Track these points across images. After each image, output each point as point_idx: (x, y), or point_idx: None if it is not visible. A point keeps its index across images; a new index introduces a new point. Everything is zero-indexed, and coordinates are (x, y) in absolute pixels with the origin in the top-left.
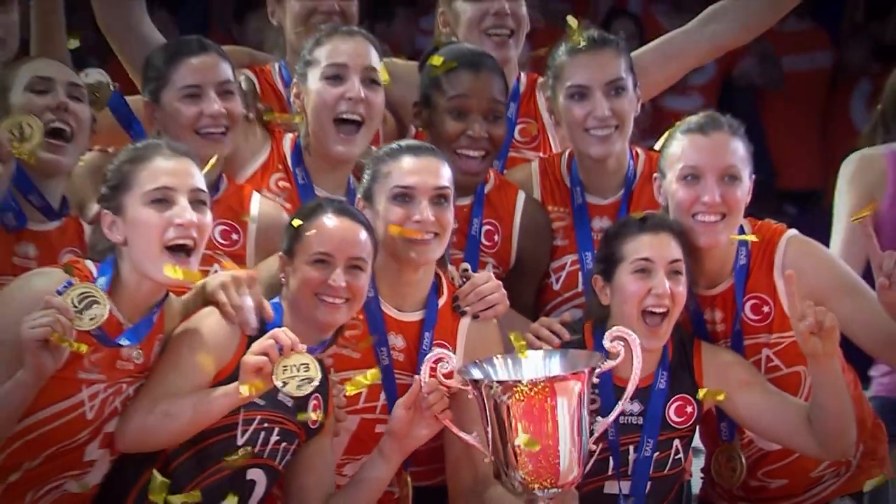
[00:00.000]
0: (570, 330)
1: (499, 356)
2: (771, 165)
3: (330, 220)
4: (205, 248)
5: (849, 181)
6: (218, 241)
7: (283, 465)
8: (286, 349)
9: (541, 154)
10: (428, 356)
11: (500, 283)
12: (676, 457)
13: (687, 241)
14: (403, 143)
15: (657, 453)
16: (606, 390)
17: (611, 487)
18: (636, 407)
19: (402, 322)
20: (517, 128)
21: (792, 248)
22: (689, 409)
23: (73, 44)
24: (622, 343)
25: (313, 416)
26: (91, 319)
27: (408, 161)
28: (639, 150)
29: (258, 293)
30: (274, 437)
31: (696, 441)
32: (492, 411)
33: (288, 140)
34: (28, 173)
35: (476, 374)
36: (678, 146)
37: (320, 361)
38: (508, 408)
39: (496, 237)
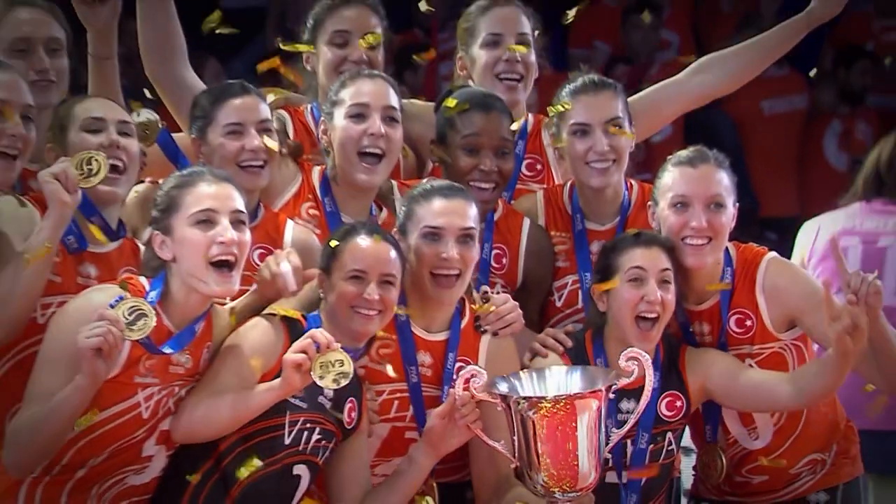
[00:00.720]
0: (572, 339)
1: (525, 371)
2: (753, 196)
3: (363, 241)
4: (245, 270)
5: None
6: (256, 264)
7: (322, 461)
8: (323, 347)
9: (545, 186)
10: (462, 372)
11: (517, 304)
12: (669, 448)
13: (675, 256)
14: (436, 184)
15: (651, 445)
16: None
17: (611, 478)
18: (631, 405)
19: (430, 341)
20: (524, 163)
21: (772, 268)
22: (678, 403)
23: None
24: (636, 362)
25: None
26: (139, 330)
27: (438, 203)
28: (633, 182)
29: (296, 261)
30: (315, 436)
31: (689, 442)
32: (518, 423)
33: (316, 172)
34: (90, 199)
35: (504, 388)
36: (669, 177)
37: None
38: (533, 421)
39: (504, 260)
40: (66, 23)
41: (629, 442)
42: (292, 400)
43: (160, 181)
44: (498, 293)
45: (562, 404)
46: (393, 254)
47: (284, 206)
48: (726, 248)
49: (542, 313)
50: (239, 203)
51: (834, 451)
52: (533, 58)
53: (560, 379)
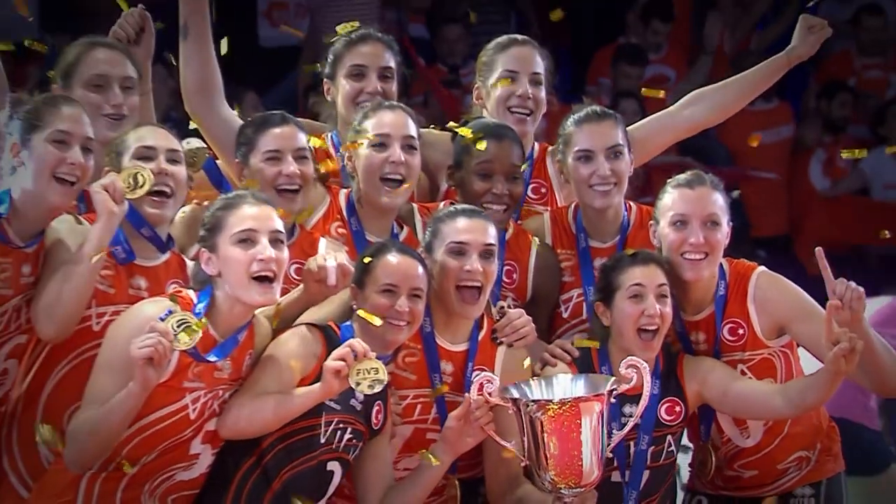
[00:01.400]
0: (578, 349)
1: (534, 379)
2: (746, 217)
3: (394, 258)
4: (283, 283)
5: None
6: (293, 278)
7: (353, 458)
8: (359, 355)
9: (549, 208)
10: (476, 378)
11: (530, 317)
12: (669, 449)
13: (671, 272)
14: (459, 206)
15: (652, 447)
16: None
17: (615, 477)
18: (634, 409)
19: (452, 352)
20: (530, 187)
21: (762, 280)
22: (677, 408)
23: None
24: (635, 370)
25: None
26: (186, 342)
27: (462, 221)
28: (632, 204)
29: (341, 258)
30: (347, 436)
31: (686, 440)
32: (528, 424)
33: (343, 194)
34: (138, 211)
35: (515, 393)
36: (669, 198)
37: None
38: (542, 422)
39: (515, 275)
40: (139, 64)
41: (632, 444)
42: (328, 402)
43: (205, 203)
44: (510, 307)
45: (567, 406)
46: (420, 270)
47: (315, 225)
48: (721, 263)
49: (550, 324)
50: (278, 223)
51: (818, 449)
52: (543, 94)
53: (566, 386)
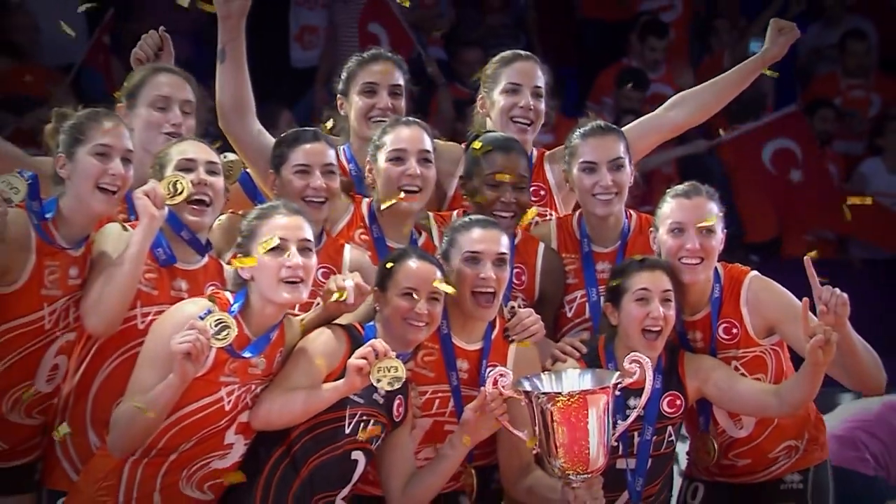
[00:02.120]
0: (586, 346)
1: (545, 373)
2: (740, 224)
3: (414, 263)
4: (311, 286)
5: None
6: (321, 281)
7: (375, 448)
8: (380, 355)
9: (547, 209)
10: (491, 373)
11: (539, 316)
12: (669, 439)
13: (676, 278)
14: (473, 217)
15: (655, 437)
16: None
17: (621, 464)
18: (638, 401)
19: (467, 350)
20: (530, 189)
21: (754, 284)
22: (678, 402)
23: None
24: (638, 365)
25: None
26: (223, 339)
27: (477, 232)
28: (632, 212)
29: (358, 280)
30: (370, 427)
31: (683, 430)
32: (539, 415)
33: (365, 204)
34: (178, 217)
35: (527, 386)
36: (668, 207)
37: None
38: (552, 413)
39: (524, 277)
40: (197, 90)
41: (636, 434)
42: (352, 396)
43: (241, 212)
44: (520, 307)
45: (575, 399)
46: (438, 274)
47: (340, 232)
48: (716, 268)
49: (555, 323)
50: (307, 233)
51: (806, 439)
52: (543, 106)
53: (574, 379)
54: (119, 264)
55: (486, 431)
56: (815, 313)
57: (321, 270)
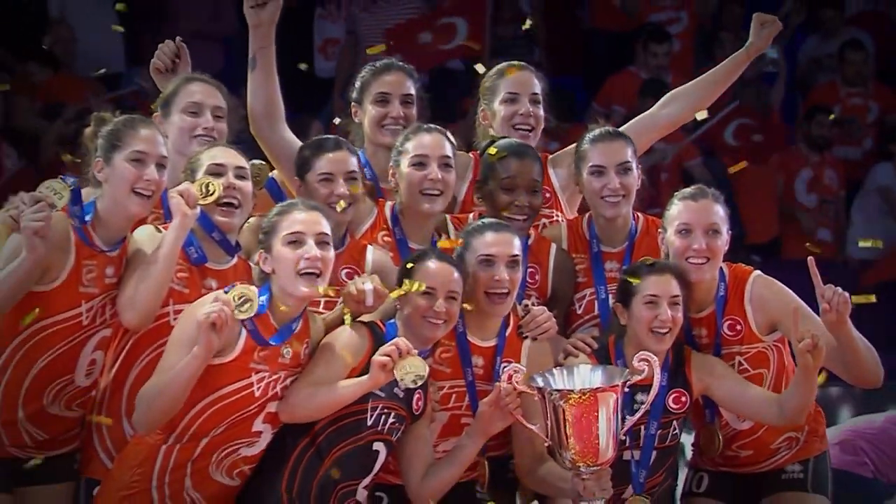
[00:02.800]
0: (597, 342)
1: (557, 369)
2: (742, 226)
3: (433, 263)
4: (335, 285)
5: None
6: (344, 281)
7: (396, 439)
8: (403, 353)
9: (553, 210)
10: (506, 369)
11: (552, 314)
12: (674, 433)
13: (685, 280)
14: (487, 221)
15: (660, 431)
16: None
17: (626, 456)
18: (645, 397)
19: (482, 347)
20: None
21: (757, 283)
22: (683, 398)
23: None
24: (646, 363)
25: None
26: (245, 311)
27: (490, 235)
28: (639, 214)
29: (377, 283)
30: (391, 420)
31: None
32: (551, 410)
33: (388, 207)
34: (209, 217)
35: (540, 382)
36: (675, 209)
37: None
38: (564, 409)
39: (537, 277)
40: (228, 97)
41: (642, 428)
42: (374, 391)
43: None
44: (534, 304)
45: (587, 396)
46: (456, 274)
47: (364, 233)
48: (721, 268)
49: (566, 319)
50: (324, 227)
51: (806, 431)
52: (541, 112)
53: (585, 375)
54: (153, 261)
55: (501, 424)
56: (817, 312)
57: (345, 271)
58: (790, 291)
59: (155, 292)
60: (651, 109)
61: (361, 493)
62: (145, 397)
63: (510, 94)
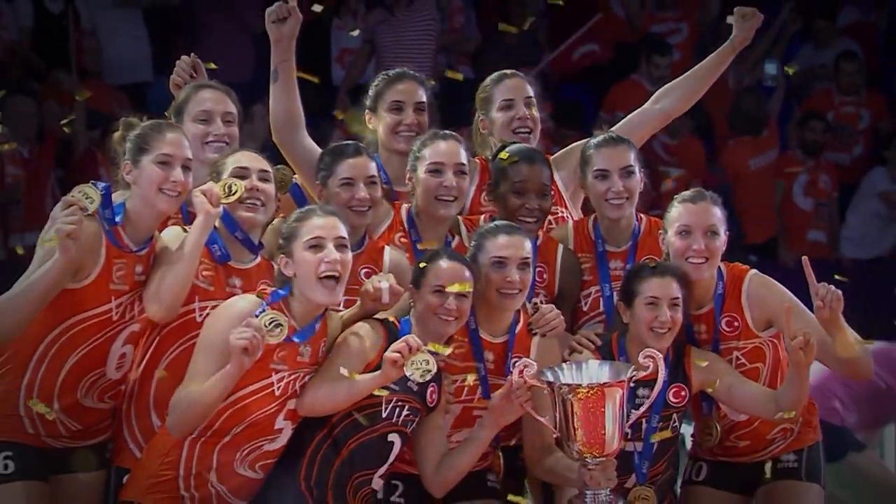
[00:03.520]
0: (601, 339)
1: (566, 364)
2: (740, 227)
3: (445, 263)
4: (354, 284)
5: None
6: (362, 279)
7: (410, 431)
8: (414, 349)
9: (558, 207)
10: (517, 364)
11: (560, 311)
12: (674, 425)
13: (685, 280)
14: (499, 223)
15: (661, 423)
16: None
17: (628, 447)
18: (647, 392)
19: (493, 343)
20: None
21: (754, 281)
22: (683, 393)
23: None
24: (651, 360)
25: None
26: (276, 336)
27: (502, 238)
28: (642, 215)
29: (392, 281)
30: (405, 412)
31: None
32: (560, 404)
33: (404, 209)
34: (233, 217)
35: (550, 377)
36: (676, 211)
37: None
38: (572, 403)
39: (545, 276)
40: (238, 102)
41: (644, 421)
42: (389, 385)
43: None
44: (542, 302)
45: (594, 390)
46: (468, 273)
47: (381, 235)
48: (719, 267)
49: (572, 316)
50: (342, 231)
51: (800, 422)
52: (538, 114)
53: (594, 370)
54: (178, 257)
55: (512, 416)
56: (811, 309)
57: (363, 270)
58: (785, 289)
59: (179, 286)
60: (644, 106)
61: (377, 482)
62: (180, 406)
63: (506, 101)
